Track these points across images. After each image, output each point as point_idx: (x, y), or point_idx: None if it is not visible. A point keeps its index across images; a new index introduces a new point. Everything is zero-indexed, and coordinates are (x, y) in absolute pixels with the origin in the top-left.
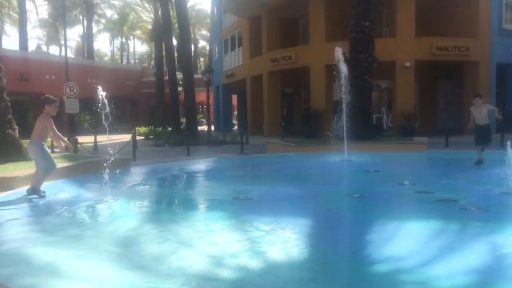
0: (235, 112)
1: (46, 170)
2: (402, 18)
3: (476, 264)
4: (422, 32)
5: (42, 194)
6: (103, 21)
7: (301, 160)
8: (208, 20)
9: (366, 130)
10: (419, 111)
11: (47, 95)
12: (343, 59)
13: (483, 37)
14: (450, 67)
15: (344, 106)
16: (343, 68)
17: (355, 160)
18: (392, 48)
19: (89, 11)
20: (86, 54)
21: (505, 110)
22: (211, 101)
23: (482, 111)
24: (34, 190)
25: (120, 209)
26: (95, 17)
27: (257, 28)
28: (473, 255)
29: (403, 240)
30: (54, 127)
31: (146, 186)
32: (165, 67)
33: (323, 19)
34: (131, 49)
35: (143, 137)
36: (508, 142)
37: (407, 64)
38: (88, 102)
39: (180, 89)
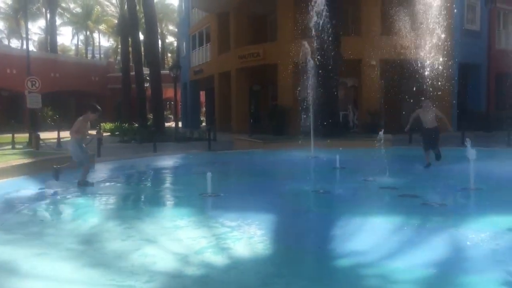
0: (203, 109)
1: (82, 163)
2: (367, 17)
3: (436, 257)
4: (387, 31)
5: (90, 184)
6: (67, 14)
7: (268, 156)
8: (176, 15)
9: (332, 127)
10: (384, 109)
11: (94, 104)
12: (310, 56)
13: (445, 36)
14: (414, 66)
15: (311, 103)
16: (310, 66)
17: (321, 156)
18: (358, 46)
19: (52, 3)
20: (49, 48)
21: (467, 108)
22: (178, 97)
23: (430, 115)
24: (83, 182)
25: (83, 206)
26: (59, 10)
27: (225, 25)
28: (432, 248)
29: (366, 235)
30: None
31: (111, 183)
32: (131, 62)
33: (291, 17)
34: (96, 44)
35: (109, 133)
36: (468, 140)
37: (373, 62)
38: (52, 97)
39: (147, 85)
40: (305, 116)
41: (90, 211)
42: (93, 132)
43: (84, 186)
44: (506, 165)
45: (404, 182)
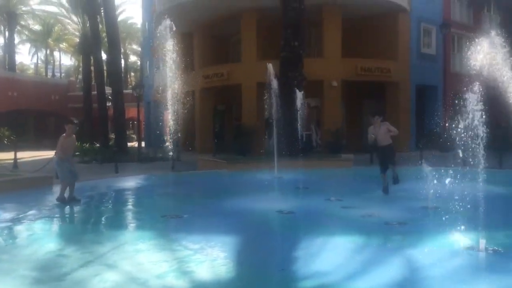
0: (167, 128)
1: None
2: (329, 39)
3: (396, 277)
4: (348, 54)
5: (75, 199)
6: (26, 32)
7: (232, 177)
8: (140, 34)
9: (296, 147)
10: (346, 129)
11: (70, 118)
12: (274, 77)
13: (403, 59)
14: (373, 87)
15: (274, 124)
16: (274, 86)
17: (285, 176)
18: (320, 68)
19: (11, 21)
20: (7, 66)
21: (424, 129)
22: (141, 116)
23: (382, 131)
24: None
25: (40, 231)
26: (18, 27)
27: (189, 44)
28: (393, 268)
29: (330, 255)
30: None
31: (69, 206)
32: (93, 81)
33: (254, 38)
34: (57, 62)
35: None
36: (424, 160)
37: (334, 83)
38: (9, 117)
39: (109, 104)
40: (268, 136)
41: (46, 236)
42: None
43: (69, 202)
44: (463, 184)
45: (366, 202)
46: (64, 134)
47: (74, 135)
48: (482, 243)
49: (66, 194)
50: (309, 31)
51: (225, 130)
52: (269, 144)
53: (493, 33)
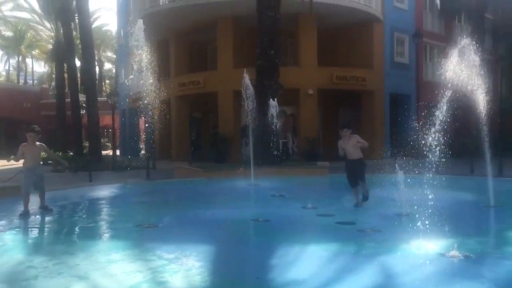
0: (143, 136)
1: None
2: (305, 48)
3: (370, 284)
4: (324, 62)
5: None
6: None
7: (208, 185)
8: (114, 41)
9: (272, 155)
10: (322, 137)
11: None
12: (250, 85)
13: (378, 68)
14: (349, 96)
15: (250, 132)
16: (250, 95)
17: (261, 184)
18: (296, 76)
19: None
20: None
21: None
22: (116, 124)
23: (351, 144)
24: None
25: (9, 242)
26: None
27: (165, 52)
28: (367, 275)
29: (305, 263)
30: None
31: (42, 216)
32: (67, 88)
33: (230, 46)
34: (29, 69)
35: (41, 162)
36: (397, 167)
37: (310, 91)
38: None
39: (83, 112)
40: (245, 144)
41: (16, 247)
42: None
43: (42, 211)
44: (436, 191)
45: (341, 210)
46: (24, 143)
47: (38, 143)
48: (454, 249)
49: (35, 206)
50: (285, 40)
51: (202, 138)
52: (245, 152)
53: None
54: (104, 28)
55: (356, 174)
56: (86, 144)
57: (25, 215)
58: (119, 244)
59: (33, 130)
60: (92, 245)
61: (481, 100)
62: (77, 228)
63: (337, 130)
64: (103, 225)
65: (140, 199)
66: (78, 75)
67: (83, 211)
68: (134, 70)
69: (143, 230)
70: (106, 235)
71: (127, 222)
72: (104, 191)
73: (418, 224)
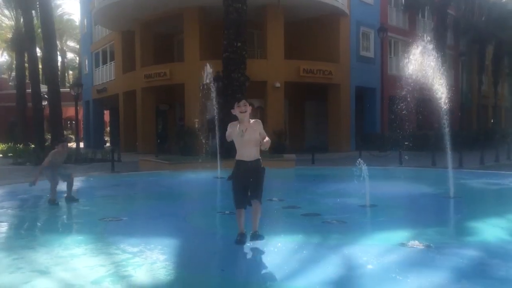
0: (107, 128)
1: None
2: (272, 41)
3: (335, 274)
4: (291, 55)
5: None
6: None
7: (174, 178)
8: (78, 31)
9: None
10: (288, 130)
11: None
12: (216, 77)
13: (344, 62)
14: (316, 89)
15: (217, 124)
16: (217, 87)
17: (227, 176)
18: (263, 69)
19: None
20: None
21: (363, 130)
22: (80, 116)
23: (251, 136)
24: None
25: None
26: None
27: (130, 43)
28: (332, 265)
29: (270, 255)
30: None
31: (1, 210)
32: (28, 79)
33: (197, 38)
34: None
35: (0, 155)
36: (362, 159)
37: (277, 84)
38: None
39: (45, 103)
40: (212, 137)
41: None
42: None
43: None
44: (398, 183)
45: (306, 201)
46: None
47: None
48: (415, 239)
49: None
50: (252, 33)
51: (168, 131)
52: (212, 144)
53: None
54: (67, 17)
55: (249, 184)
56: (49, 136)
57: (53, 202)
58: (82, 238)
59: (66, 140)
60: (54, 239)
61: (442, 94)
62: (38, 222)
63: (304, 122)
64: (66, 219)
65: (104, 192)
66: (40, 65)
67: (44, 205)
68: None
69: (107, 224)
70: (69, 229)
71: (91, 216)
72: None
73: (381, 215)
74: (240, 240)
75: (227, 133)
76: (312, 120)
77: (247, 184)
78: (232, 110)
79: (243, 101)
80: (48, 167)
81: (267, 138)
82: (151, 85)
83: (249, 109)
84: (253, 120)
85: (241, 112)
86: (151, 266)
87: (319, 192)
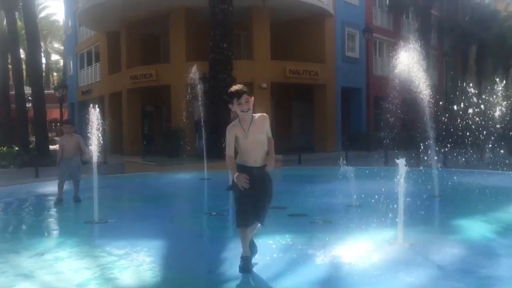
0: (93, 130)
1: None
2: (258, 42)
3: (321, 275)
4: (277, 56)
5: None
6: None
7: (161, 179)
8: (62, 32)
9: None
10: (275, 130)
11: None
12: (202, 78)
13: (329, 62)
14: (302, 89)
15: (203, 125)
16: (203, 88)
17: (214, 178)
18: (250, 69)
19: None
20: None
21: (350, 130)
22: (65, 118)
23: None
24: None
25: None
26: None
27: (115, 44)
28: (318, 266)
29: (256, 256)
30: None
31: None
32: (11, 80)
33: (183, 39)
34: None
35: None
36: (348, 159)
37: (264, 85)
38: None
39: (29, 105)
40: (199, 138)
41: None
42: None
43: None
44: (384, 182)
45: (293, 202)
46: (61, 137)
47: (75, 135)
48: (401, 238)
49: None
50: (238, 34)
51: (155, 132)
52: (199, 146)
53: (411, 38)
54: (51, 18)
55: (258, 198)
56: (33, 138)
57: (59, 202)
58: (67, 241)
59: (67, 122)
60: (39, 242)
61: (427, 94)
62: (23, 225)
63: (290, 123)
64: (51, 222)
65: (90, 194)
66: (24, 66)
67: (30, 207)
68: (82, 62)
69: (93, 226)
70: (54, 232)
71: (76, 219)
72: (52, 187)
73: (367, 215)
74: (245, 266)
75: (227, 141)
76: (298, 121)
77: (253, 196)
78: (230, 106)
79: (245, 96)
80: (62, 159)
81: (271, 153)
82: (137, 87)
83: (251, 103)
84: (259, 114)
85: (242, 111)
86: (137, 268)
87: (305, 192)
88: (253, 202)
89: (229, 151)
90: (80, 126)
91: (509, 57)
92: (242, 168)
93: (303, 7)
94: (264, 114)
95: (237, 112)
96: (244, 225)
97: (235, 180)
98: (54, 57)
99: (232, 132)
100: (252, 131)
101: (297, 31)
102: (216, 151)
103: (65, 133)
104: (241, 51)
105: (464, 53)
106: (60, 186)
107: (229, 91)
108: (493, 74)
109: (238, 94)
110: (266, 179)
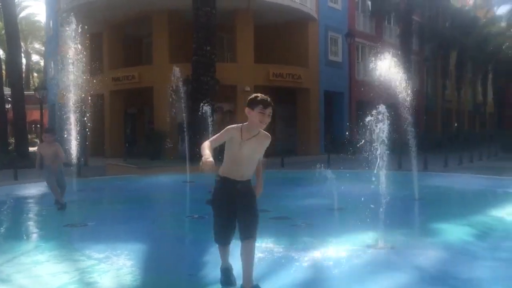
0: (74, 132)
1: None
2: (242, 45)
3: (302, 278)
4: (260, 59)
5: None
6: None
7: (142, 182)
8: (43, 33)
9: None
10: None
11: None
12: (186, 81)
13: (313, 66)
14: (285, 93)
15: (186, 128)
16: (186, 90)
17: (196, 181)
18: (233, 72)
19: None
20: None
21: (332, 134)
22: (45, 120)
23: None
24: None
25: None
26: None
27: (98, 45)
28: (299, 269)
29: (238, 259)
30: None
31: None
32: None
33: (166, 40)
34: None
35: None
36: (331, 163)
37: (247, 88)
38: None
39: (8, 106)
40: (181, 140)
41: None
42: None
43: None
44: (365, 186)
45: (276, 205)
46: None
47: (55, 143)
48: (381, 241)
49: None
50: (222, 36)
51: (137, 134)
52: (181, 148)
53: (392, 43)
54: (33, 19)
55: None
56: (12, 140)
57: (62, 208)
58: (46, 245)
59: (49, 131)
60: (16, 246)
61: (408, 98)
62: (0, 228)
63: (273, 126)
64: (29, 226)
65: (70, 197)
66: (3, 67)
67: (8, 210)
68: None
69: (72, 230)
70: (32, 236)
71: (55, 222)
72: (31, 190)
73: (349, 218)
74: (227, 279)
75: (215, 136)
76: (281, 124)
77: (233, 211)
78: (246, 110)
79: (270, 109)
80: (43, 168)
81: (260, 179)
82: (120, 88)
83: (268, 121)
84: (264, 132)
85: (260, 122)
86: (117, 272)
87: (288, 195)
88: (232, 220)
89: (209, 140)
90: (60, 127)
91: (488, 63)
92: (226, 181)
93: (287, 11)
94: (268, 134)
95: (253, 120)
96: (221, 243)
97: (201, 161)
98: (35, 57)
99: (229, 133)
100: (250, 145)
101: (281, 35)
102: (198, 153)
103: (44, 141)
104: (225, 53)
105: (444, 58)
106: (54, 190)
107: (256, 96)
108: (473, 78)
109: (266, 103)
110: (249, 195)
